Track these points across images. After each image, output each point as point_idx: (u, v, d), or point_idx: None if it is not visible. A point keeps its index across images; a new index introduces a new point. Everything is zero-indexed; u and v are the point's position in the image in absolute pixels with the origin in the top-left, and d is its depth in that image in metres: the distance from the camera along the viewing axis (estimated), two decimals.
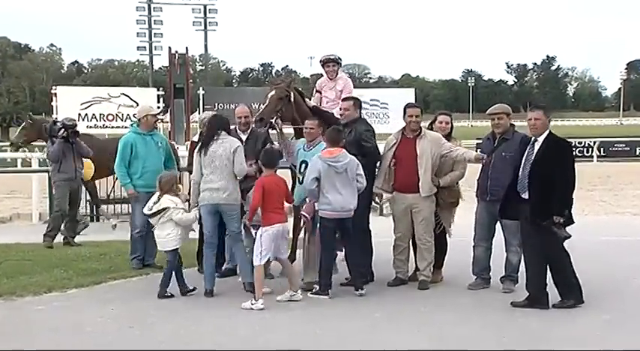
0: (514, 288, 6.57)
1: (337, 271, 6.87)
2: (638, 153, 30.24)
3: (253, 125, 7.06)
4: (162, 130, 23.95)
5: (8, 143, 16.91)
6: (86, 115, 24.05)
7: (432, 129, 7.08)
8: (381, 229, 7.37)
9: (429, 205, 6.79)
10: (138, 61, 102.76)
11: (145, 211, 6.69)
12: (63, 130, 9.21)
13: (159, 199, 6.56)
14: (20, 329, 5.59)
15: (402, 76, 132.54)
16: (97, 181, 11.47)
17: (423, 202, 6.74)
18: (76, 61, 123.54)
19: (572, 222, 5.96)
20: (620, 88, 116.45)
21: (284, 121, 7.10)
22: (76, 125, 9.49)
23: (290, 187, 6.81)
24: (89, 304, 6.33)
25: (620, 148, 31.17)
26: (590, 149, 29.68)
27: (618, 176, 21.13)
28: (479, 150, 7.13)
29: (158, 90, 26.21)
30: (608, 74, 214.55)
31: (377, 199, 7.06)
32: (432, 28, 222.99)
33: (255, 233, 6.38)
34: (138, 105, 23.26)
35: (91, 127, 23.58)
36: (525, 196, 6.00)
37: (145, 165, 7.60)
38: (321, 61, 7.90)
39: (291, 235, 6.99)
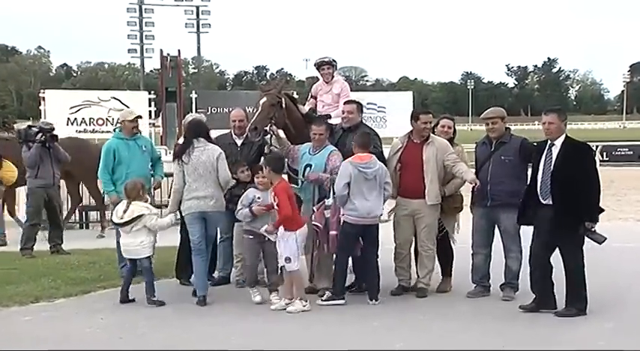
0: (514, 295, 6.58)
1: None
2: None
3: (248, 134, 7.07)
4: (154, 135, 24.02)
5: None
6: (75, 119, 23.99)
7: (433, 133, 7.08)
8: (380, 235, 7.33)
9: (434, 212, 6.80)
10: (129, 63, 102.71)
11: (116, 219, 6.69)
12: (40, 134, 9.18)
13: (128, 207, 6.60)
14: (6, 340, 5.56)
15: (400, 78, 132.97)
16: (80, 188, 11.47)
17: (427, 209, 6.75)
18: (65, 64, 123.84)
19: (597, 221, 5.99)
20: (623, 91, 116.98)
21: (277, 128, 7.14)
22: (53, 129, 9.45)
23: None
24: (78, 314, 6.31)
25: (623, 153, 31.22)
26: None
27: (621, 181, 21.17)
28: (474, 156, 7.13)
29: (149, 93, 26.17)
30: (610, 77, 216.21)
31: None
32: (430, 29, 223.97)
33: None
34: (128, 108, 23.29)
35: (80, 131, 23.53)
36: (548, 201, 6.00)
37: (129, 170, 7.58)
38: (315, 65, 7.92)
39: None
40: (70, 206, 11.65)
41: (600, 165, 27.79)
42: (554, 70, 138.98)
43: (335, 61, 7.86)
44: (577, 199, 5.85)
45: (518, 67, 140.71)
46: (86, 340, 5.52)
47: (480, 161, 6.79)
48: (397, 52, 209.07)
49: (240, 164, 7.10)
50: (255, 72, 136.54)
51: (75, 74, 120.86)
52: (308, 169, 6.82)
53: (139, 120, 7.85)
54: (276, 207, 6.33)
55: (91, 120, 24.19)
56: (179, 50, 25.98)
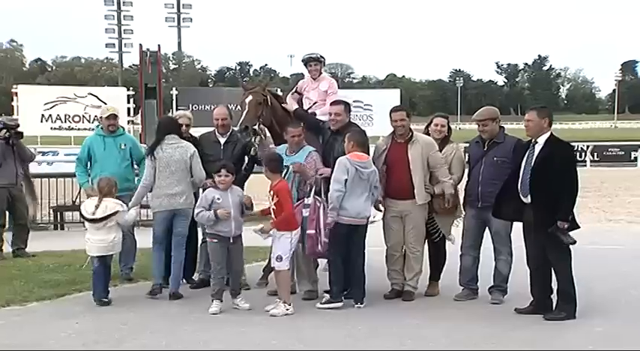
0: (503, 299, 6.63)
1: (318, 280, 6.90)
2: (633, 158, 30.63)
3: (239, 135, 7.06)
4: (133, 132, 23.87)
5: None
6: (50, 116, 23.84)
7: (427, 132, 7.09)
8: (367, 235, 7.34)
9: (422, 213, 6.82)
10: (106, 58, 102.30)
11: (87, 215, 6.75)
12: (4, 131, 9.07)
13: (100, 203, 6.71)
14: None
15: (387, 76, 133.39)
16: (62, 187, 11.40)
17: (415, 209, 6.77)
18: (39, 59, 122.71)
19: (578, 227, 6.04)
20: (614, 90, 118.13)
21: (265, 127, 7.16)
22: (18, 125, 9.36)
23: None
24: (52, 318, 6.25)
25: (614, 153, 31.58)
26: (584, 154, 30.03)
27: (612, 182, 21.41)
28: (467, 154, 7.17)
29: (128, 90, 26.07)
30: (602, 75, 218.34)
31: (380, 207, 7.03)
32: (418, 25, 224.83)
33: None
34: (106, 105, 23.13)
35: (55, 129, 23.39)
36: (527, 200, 6.07)
37: (102, 168, 7.61)
38: (303, 60, 7.91)
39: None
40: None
41: (591, 165, 28.34)
42: (545, 68, 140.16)
43: (323, 57, 7.86)
44: (553, 198, 5.91)
45: (509, 64, 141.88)
46: (60, 346, 5.46)
47: (472, 161, 6.84)
48: (384, 49, 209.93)
49: (222, 169, 7.09)
50: (238, 68, 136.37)
51: (50, 69, 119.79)
52: (285, 170, 6.78)
53: (118, 117, 7.88)
54: (273, 206, 6.36)
55: (67, 117, 24.03)
56: (159, 45, 25.82)
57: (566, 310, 6.04)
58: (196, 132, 7.73)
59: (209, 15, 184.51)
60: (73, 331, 5.83)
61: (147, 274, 7.52)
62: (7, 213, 9.31)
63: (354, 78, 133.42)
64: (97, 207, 6.70)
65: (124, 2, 58.24)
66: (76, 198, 11.18)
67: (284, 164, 6.80)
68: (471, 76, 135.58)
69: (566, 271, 6.05)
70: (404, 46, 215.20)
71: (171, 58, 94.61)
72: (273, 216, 6.42)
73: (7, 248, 9.23)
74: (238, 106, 7.32)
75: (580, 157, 29.63)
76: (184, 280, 7.38)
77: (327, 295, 6.55)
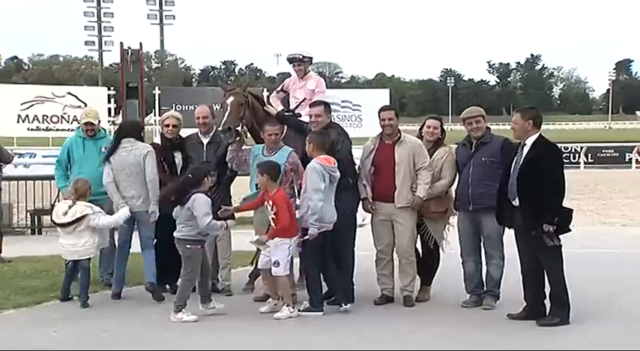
0: (495, 305, 6.66)
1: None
2: (627, 159, 30.81)
3: (221, 136, 7.06)
4: (114, 134, 23.78)
5: None
6: (27, 116, 23.57)
7: (420, 135, 7.10)
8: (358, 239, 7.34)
9: (411, 216, 6.82)
10: (86, 57, 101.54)
11: (57, 219, 6.89)
12: None
13: (70, 207, 6.81)
14: None
15: (376, 75, 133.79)
16: (39, 190, 11.31)
17: (403, 213, 6.78)
18: (15, 57, 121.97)
19: (569, 230, 6.07)
20: (608, 90, 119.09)
21: (247, 128, 7.17)
22: None
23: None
24: (29, 326, 6.22)
25: (608, 154, 31.73)
26: (577, 155, 30.22)
27: (607, 184, 21.55)
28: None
29: (109, 89, 25.84)
30: (596, 75, 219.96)
31: (370, 207, 6.97)
32: (408, 24, 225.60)
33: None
34: (86, 105, 22.98)
35: (33, 129, 23.18)
36: (516, 203, 6.12)
37: (80, 171, 7.62)
38: (288, 60, 7.93)
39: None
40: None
41: (585, 167, 28.52)
42: (538, 68, 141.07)
43: (309, 56, 7.86)
44: (540, 200, 5.96)
45: (500, 63, 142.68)
46: None
47: (460, 164, 6.85)
48: (373, 48, 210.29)
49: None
50: (222, 67, 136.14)
51: (26, 67, 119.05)
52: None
53: (100, 120, 7.89)
54: (272, 215, 6.41)
55: (45, 117, 23.77)
56: (141, 43, 25.56)
57: (560, 315, 6.07)
58: (182, 133, 7.70)
59: (192, 12, 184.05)
60: (52, 340, 5.79)
61: (136, 278, 7.49)
62: None
63: (342, 77, 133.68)
64: (68, 209, 6.81)
65: None
66: (55, 201, 11.07)
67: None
68: (462, 76, 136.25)
69: (558, 275, 6.09)
70: (393, 45, 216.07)
71: (153, 57, 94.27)
72: (273, 225, 6.47)
73: None
74: (220, 106, 7.32)
75: (573, 158, 29.82)
76: (167, 286, 7.37)
77: (306, 303, 6.55)
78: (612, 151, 32.18)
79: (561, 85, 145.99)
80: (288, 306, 6.41)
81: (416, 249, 7.06)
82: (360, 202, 6.98)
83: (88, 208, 6.82)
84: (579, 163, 29.30)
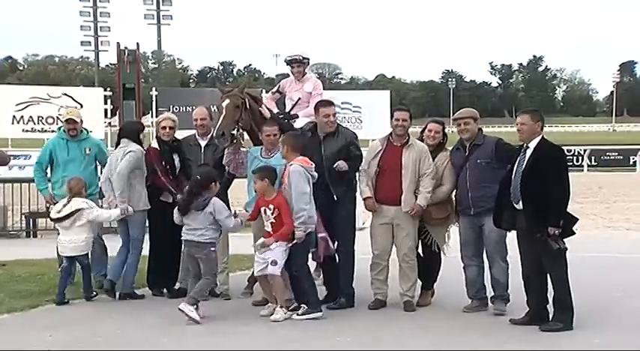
0: (506, 308, 6.60)
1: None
2: (632, 162, 30.80)
3: (216, 141, 7.08)
4: (110, 135, 23.76)
5: None
6: (22, 117, 23.58)
7: (422, 139, 7.09)
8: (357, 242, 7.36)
9: (412, 220, 6.83)
10: (82, 57, 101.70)
11: (53, 214, 7.09)
12: None
13: (67, 202, 6.97)
14: None
15: (377, 76, 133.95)
16: (34, 192, 11.28)
17: (406, 217, 6.79)
18: (10, 57, 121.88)
19: (573, 233, 6.08)
20: (612, 92, 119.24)
21: (243, 131, 7.19)
22: None
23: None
24: (23, 330, 6.22)
25: (612, 157, 31.71)
26: (580, 158, 30.20)
27: (611, 187, 21.54)
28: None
29: (105, 90, 25.89)
30: (599, 76, 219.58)
31: (376, 206, 6.96)
32: (409, 24, 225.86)
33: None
34: (82, 106, 22.98)
35: (27, 131, 23.18)
36: (519, 206, 6.12)
37: (64, 173, 7.65)
38: (286, 61, 7.94)
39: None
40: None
41: (588, 170, 28.52)
42: (541, 69, 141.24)
43: (307, 58, 7.88)
44: (545, 203, 5.97)
45: (503, 65, 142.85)
46: None
47: (456, 168, 6.84)
48: (374, 49, 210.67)
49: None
50: (220, 68, 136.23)
51: (21, 68, 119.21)
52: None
53: (82, 120, 7.89)
54: (272, 219, 6.48)
55: (40, 118, 23.78)
56: (138, 43, 25.63)
57: (563, 320, 6.08)
58: (180, 135, 7.71)
59: (190, 12, 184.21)
60: (47, 345, 5.78)
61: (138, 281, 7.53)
62: None
63: (342, 78, 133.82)
64: (63, 207, 6.98)
65: None
66: (47, 204, 11.10)
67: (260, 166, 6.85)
68: (464, 77, 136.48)
69: (562, 279, 6.10)
70: (394, 46, 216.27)
71: (150, 57, 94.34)
72: (270, 230, 6.52)
73: None
74: (216, 113, 7.32)
75: (577, 161, 29.79)
76: (165, 290, 7.38)
77: (304, 306, 6.57)
78: (616, 153, 32.16)
79: (564, 86, 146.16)
80: (282, 307, 6.45)
81: (417, 253, 7.07)
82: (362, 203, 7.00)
83: (82, 203, 6.99)
84: (583, 166, 29.29)
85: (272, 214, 6.49)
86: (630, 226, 13.55)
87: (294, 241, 6.48)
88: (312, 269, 7.03)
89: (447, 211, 6.93)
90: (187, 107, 22.33)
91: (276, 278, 6.50)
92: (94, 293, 7.22)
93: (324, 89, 8.10)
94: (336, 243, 6.95)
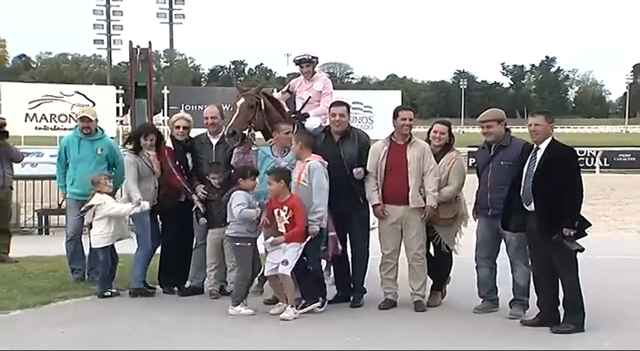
0: (523, 314, 6.51)
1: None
2: None
3: (226, 139, 7.10)
4: (122, 133, 23.87)
5: None
6: (35, 115, 23.71)
7: (428, 139, 7.08)
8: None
9: (421, 218, 6.83)
10: (94, 55, 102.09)
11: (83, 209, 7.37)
12: None
13: (92, 197, 7.24)
14: None
15: (388, 76, 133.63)
16: (47, 190, 11.38)
17: (414, 215, 6.79)
18: (23, 55, 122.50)
19: (585, 234, 6.06)
20: (625, 93, 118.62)
21: (255, 131, 7.20)
22: (5, 124, 9.37)
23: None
24: (35, 326, 6.26)
25: (625, 159, 31.52)
26: (593, 159, 30.03)
27: (623, 189, 21.42)
28: (472, 160, 7.18)
29: (117, 88, 25.96)
30: (612, 77, 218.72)
31: (385, 212, 6.96)
32: (421, 24, 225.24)
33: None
34: (94, 104, 23.08)
35: (40, 128, 23.31)
36: (530, 207, 6.10)
37: (75, 172, 7.79)
38: (295, 61, 7.97)
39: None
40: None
41: (601, 171, 28.36)
42: (553, 70, 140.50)
43: (316, 57, 7.89)
44: (558, 205, 5.95)
45: (515, 65, 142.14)
46: None
47: (479, 167, 6.84)
48: (385, 49, 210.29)
49: (215, 171, 7.16)
50: (232, 67, 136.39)
51: (34, 66, 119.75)
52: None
53: (97, 119, 7.97)
54: (286, 221, 6.50)
55: (53, 116, 23.90)
56: (150, 42, 25.67)
57: (574, 322, 6.05)
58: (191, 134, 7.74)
59: (202, 11, 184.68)
60: (58, 341, 5.82)
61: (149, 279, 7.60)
62: None
63: (353, 78, 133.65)
64: (88, 201, 7.27)
65: None
66: (62, 201, 11.16)
67: (276, 165, 6.87)
68: (476, 78, 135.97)
69: (572, 281, 6.08)
70: (406, 46, 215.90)
71: (162, 56, 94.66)
72: (284, 231, 6.55)
73: None
74: (230, 111, 7.34)
75: (589, 162, 29.63)
76: (176, 288, 7.41)
77: (304, 301, 6.64)
78: (629, 155, 31.95)
79: (577, 87, 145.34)
80: (292, 307, 6.48)
81: (428, 252, 7.07)
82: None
83: (97, 199, 7.14)
84: (595, 168, 29.13)
85: (286, 215, 6.52)
86: None
87: (309, 237, 6.52)
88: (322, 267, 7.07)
89: (453, 211, 6.92)
90: (198, 106, 22.36)
91: (286, 278, 6.52)
92: (109, 292, 7.19)
93: (334, 89, 8.11)
94: (348, 243, 6.98)
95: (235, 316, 6.53)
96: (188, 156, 7.46)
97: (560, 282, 6.16)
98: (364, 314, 6.71)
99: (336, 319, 6.49)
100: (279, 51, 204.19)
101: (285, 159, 6.93)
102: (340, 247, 6.87)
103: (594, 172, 28.02)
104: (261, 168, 7.00)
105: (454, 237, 7.02)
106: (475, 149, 7.19)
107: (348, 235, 7.03)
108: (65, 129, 23.79)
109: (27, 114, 23.34)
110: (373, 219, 7.18)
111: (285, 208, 6.52)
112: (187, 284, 7.46)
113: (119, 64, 77.09)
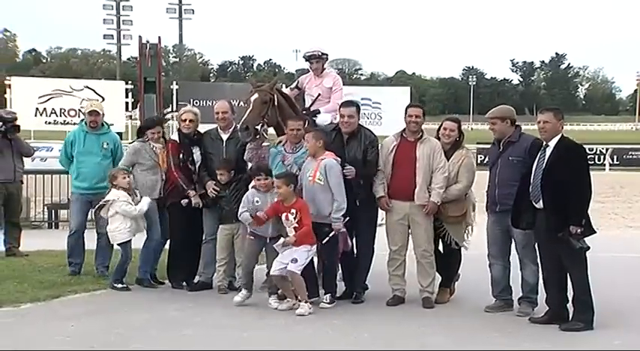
0: (531, 312, 6.50)
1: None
2: None
3: (239, 134, 7.10)
4: (131, 128, 23.95)
5: None
6: (45, 109, 23.78)
7: (438, 136, 7.07)
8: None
9: (428, 215, 6.83)
10: (104, 50, 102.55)
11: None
12: (1, 124, 9.13)
13: (109, 192, 7.30)
14: None
15: (397, 72, 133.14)
16: (57, 184, 11.43)
17: (420, 211, 6.80)
18: (34, 50, 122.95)
19: (594, 232, 6.04)
20: (636, 90, 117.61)
21: (268, 126, 7.22)
22: (16, 119, 9.41)
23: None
24: (46, 320, 6.29)
25: (635, 156, 31.47)
26: (602, 157, 29.97)
27: (632, 187, 21.37)
28: (480, 157, 7.17)
29: (127, 83, 26.02)
30: (622, 74, 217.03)
31: (389, 204, 6.95)
32: (430, 20, 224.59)
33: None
34: (104, 99, 23.14)
35: (50, 123, 23.40)
36: (539, 205, 6.09)
37: (80, 166, 7.86)
38: (304, 57, 7.97)
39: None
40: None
41: (610, 169, 28.28)
42: (563, 67, 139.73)
43: (326, 53, 7.89)
44: (566, 202, 5.94)
45: (524, 62, 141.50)
46: (54, 349, 5.48)
47: (490, 163, 6.85)
48: (394, 45, 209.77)
49: (221, 168, 7.18)
50: (241, 62, 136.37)
51: (44, 61, 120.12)
52: (289, 169, 6.92)
53: (104, 113, 8.07)
54: (295, 224, 6.52)
55: (62, 111, 23.97)
56: (159, 37, 25.73)
57: (583, 320, 6.04)
58: (200, 129, 7.76)
59: (211, 6, 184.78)
60: (68, 334, 5.85)
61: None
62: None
63: (361, 74, 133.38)
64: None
65: None
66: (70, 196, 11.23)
67: (285, 162, 6.88)
68: (485, 74, 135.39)
69: (582, 279, 6.06)
70: (414, 42, 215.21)
71: (171, 51, 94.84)
72: (293, 233, 6.58)
73: (0, 247, 9.28)
74: (241, 102, 7.37)
75: (599, 160, 29.57)
76: (185, 283, 7.44)
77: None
78: (639, 153, 31.87)
79: (587, 84, 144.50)
80: (306, 302, 6.51)
81: (437, 249, 7.06)
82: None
83: (113, 195, 7.22)
84: (604, 165, 29.05)
85: (295, 218, 6.53)
86: None
87: (332, 233, 6.61)
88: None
89: (463, 208, 6.91)
90: (207, 101, 22.40)
91: (296, 275, 6.53)
92: (119, 285, 7.26)
93: (343, 85, 8.11)
94: (354, 240, 6.99)
95: (242, 311, 6.55)
96: (195, 150, 7.48)
97: (569, 280, 6.15)
98: (372, 310, 6.72)
99: (344, 315, 6.50)
100: (288, 47, 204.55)
101: (297, 155, 6.92)
102: (350, 243, 6.89)
103: (604, 169, 27.98)
104: (272, 163, 7.01)
105: (463, 234, 7.01)
106: (483, 146, 7.16)
107: (354, 232, 7.03)
108: (75, 124, 23.87)
109: (37, 108, 23.41)
110: (381, 215, 7.20)
111: (293, 211, 6.54)
112: (196, 279, 7.48)
113: (128, 59, 77.27)
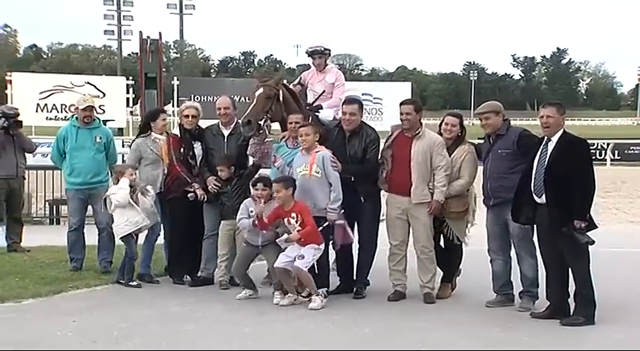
0: (532, 306, 6.49)
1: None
2: None
3: (241, 128, 7.10)
4: (132, 124, 23.93)
5: None
6: (46, 105, 23.86)
7: (440, 131, 7.06)
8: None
9: (427, 211, 6.82)
10: (105, 46, 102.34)
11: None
12: (3, 119, 9.12)
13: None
14: None
15: (398, 68, 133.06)
16: (58, 179, 11.40)
17: (419, 208, 6.79)
18: (34, 45, 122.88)
19: (595, 227, 6.04)
20: (637, 85, 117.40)
21: (272, 122, 7.20)
22: (18, 114, 9.41)
23: None
24: (47, 316, 6.30)
25: (636, 151, 31.33)
26: (604, 152, 29.86)
27: (634, 182, 21.30)
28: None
29: (127, 79, 26.05)
30: (624, 69, 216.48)
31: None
32: (431, 15, 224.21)
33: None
34: (104, 95, 23.15)
35: (51, 118, 23.43)
36: (541, 200, 6.09)
37: (73, 161, 7.84)
38: (307, 53, 7.95)
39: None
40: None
41: (612, 164, 28.22)
42: (564, 62, 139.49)
43: (328, 49, 7.89)
44: (570, 197, 5.93)
45: (525, 57, 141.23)
46: (56, 345, 5.49)
47: (483, 158, 6.83)
48: (395, 40, 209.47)
49: (221, 164, 7.18)
50: (241, 58, 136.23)
51: (45, 56, 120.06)
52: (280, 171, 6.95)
53: (98, 107, 8.13)
54: (298, 227, 6.50)
55: (63, 106, 24.02)
56: (160, 33, 25.76)
57: (585, 314, 6.04)
58: (201, 125, 7.76)
59: (212, 2, 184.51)
60: (70, 330, 5.86)
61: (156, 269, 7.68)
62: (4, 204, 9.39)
63: (362, 70, 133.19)
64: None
65: None
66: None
67: (288, 157, 6.88)
68: (486, 69, 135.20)
69: (584, 273, 6.06)
70: (415, 37, 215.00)
71: (172, 47, 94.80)
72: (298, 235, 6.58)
73: (2, 243, 9.29)
74: (243, 98, 7.36)
75: (600, 155, 29.46)
76: (187, 277, 7.45)
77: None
78: None
79: (588, 79, 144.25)
80: (318, 295, 6.53)
81: (437, 244, 7.06)
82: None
83: (113, 186, 7.27)
84: (606, 160, 28.96)
85: (296, 221, 6.52)
86: None
87: (327, 224, 6.60)
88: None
89: (465, 204, 6.91)
90: (208, 97, 22.46)
91: (302, 273, 6.53)
92: (133, 283, 7.24)
93: (345, 80, 8.10)
94: (355, 234, 6.99)
95: (243, 306, 6.55)
96: (196, 145, 7.48)
97: (570, 274, 6.15)
98: (373, 306, 6.72)
99: (345, 311, 6.50)
100: (289, 42, 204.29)
101: (299, 149, 6.91)
102: (352, 236, 6.88)
103: (605, 164, 27.87)
104: (278, 153, 7.03)
105: (465, 229, 7.01)
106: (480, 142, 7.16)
107: (355, 226, 7.04)
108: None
109: (38, 104, 23.47)
110: (382, 211, 7.20)
111: (294, 214, 6.54)
112: (198, 273, 7.48)
113: (129, 54, 77.12)
